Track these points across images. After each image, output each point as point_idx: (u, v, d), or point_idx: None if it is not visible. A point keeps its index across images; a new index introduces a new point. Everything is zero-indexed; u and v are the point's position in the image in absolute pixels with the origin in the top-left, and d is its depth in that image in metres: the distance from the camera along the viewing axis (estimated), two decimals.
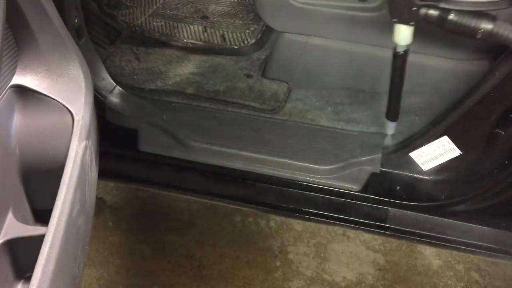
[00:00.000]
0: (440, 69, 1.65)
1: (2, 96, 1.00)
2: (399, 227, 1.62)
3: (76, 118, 1.06)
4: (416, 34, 1.58)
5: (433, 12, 1.27)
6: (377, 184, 1.59)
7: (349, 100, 1.77)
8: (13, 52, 1.03)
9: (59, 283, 0.89)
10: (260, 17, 1.82)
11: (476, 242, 1.57)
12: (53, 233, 0.89)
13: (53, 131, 1.07)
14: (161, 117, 1.70)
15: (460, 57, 1.60)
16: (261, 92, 1.81)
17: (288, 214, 1.78)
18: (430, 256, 1.94)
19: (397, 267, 1.90)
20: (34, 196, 1.08)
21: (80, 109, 1.07)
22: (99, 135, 1.19)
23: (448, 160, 1.50)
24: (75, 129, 1.05)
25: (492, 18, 1.22)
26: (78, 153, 1.02)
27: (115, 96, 1.73)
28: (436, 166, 1.52)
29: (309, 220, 1.78)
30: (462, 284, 1.86)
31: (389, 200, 1.60)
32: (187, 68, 1.92)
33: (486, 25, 1.21)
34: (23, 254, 0.97)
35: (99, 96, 1.68)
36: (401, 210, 1.60)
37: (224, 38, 2.02)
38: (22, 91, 1.05)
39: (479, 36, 1.23)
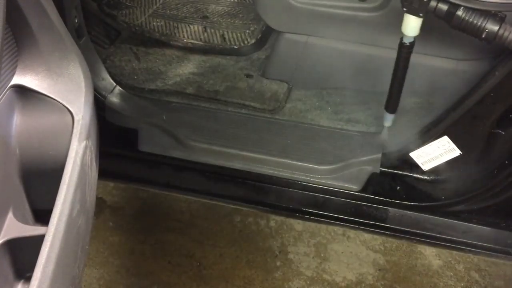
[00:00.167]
0: (440, 69, 1.65)
1: (2, 96, 1.00)
2: (399, 227, 1.62)
3: (76, 118, 1.06)
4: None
5: (442, 6, 1.26)
6: (377, 184, 1.59)
7: (349, 100, 1.77)
8: (13, 52, 1.03)
9: (59, 283, 0.89)
10: (260, 17, 1.83)
11: (476, 242, 1.57)
12: (53, 233, 0.89)
13: (53, 131, 1.07)
14: (161, 117, 1.70)
15: (460, 57, 1.60)
16: (261, 92, 1.81)
17: (288, 214, 1.78)
18: (430, 256, 1.94)
19: (397, 267, 1.90)
20: (34, 196, 1.08)
21: (80, 109, 1.07)
22: (99, 135, 1.19)
23: (448, 160, 1.50)
24: (75, 129, 1.05)
25: (499, 20, 1.21)
26: (78, 153, 1.02)
27: (115, 96, 1.73)
28: (436, 166, 1.52)
29: (309, 220, 1.78)
30: (462, 284, 1.86)
31: (389, 200, 1.60)
32: (187, 68, 1.92)
33: (492, 26, 1.21)
34: (23, 254, 0.97)
35: (99, 96, 1.68)
36: (401, 210, 1.60)
37: (224, 38, 2.02)
38: (22, 91, 1.05)
39: (483, 36, 1.23)
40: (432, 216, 1.58)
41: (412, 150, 1.53)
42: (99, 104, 1.67)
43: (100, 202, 2.09)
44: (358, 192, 1.60)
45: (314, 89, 1.81)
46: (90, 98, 1.11)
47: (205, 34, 2.04)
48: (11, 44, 1.02)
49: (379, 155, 1.57)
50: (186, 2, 2.22)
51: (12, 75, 1.04)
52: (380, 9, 1.58)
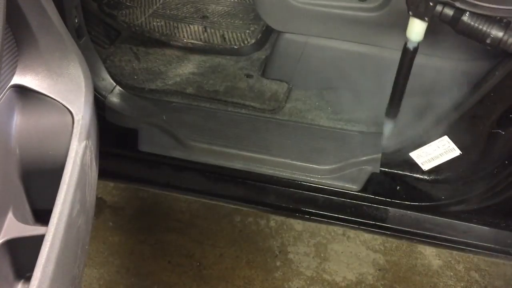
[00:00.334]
0: (440, 69, 1.65)
1: (2, 96, 1.00)
2: (399, 227, 1.62)
3: (76, 118, 1.06)
4: None
5: (448, 11, 1.27)
6: (377, 184, 1.59)
7: (349, 100, 1.77)
8: (13, 52, 1.03)
9: (59, 283, 0.89)
10: (260, 17, 1.82)
11: (476, 242, 1.57)
12: (53, 233, 0.89)
13: (53, 131, 1.07)
14: (161, 117, 1.70)
15: (460, 57, 1.60)
16: (261, 92, 1.81)
17: (288, 214, 1.78)
18: (430, 256, 1.94)
19: (397, 267, 1.90)
20: (34, 196, 1.08)
21: (80, 109, 1.07)
22: (99, 135, 1.19)
23: (448, 160, 1.50)
24: (75, 129, 1.05)
25: (505, 26, 1.22)
26: (78, 153, 1.02)
27: (115, 96, 1.73)
28: (436, 166, 1.52)
29: (309, 220, 1.78)
30: (462, 284, 1.86)
31: (389, 200, 1.60)
32: (187, 68, 1.92)
33: (497, 32, 1.22)
34: (23, 254, 0.97)
35: (99, 96, 1.68)
36: (401, 210, 1.60)
37: (224, 38, 2.02)
38: (22, 91, 1.05)
39: (488, 41, 1.24)
40: (432, 216, 1.58)
41: (412, 150, 1.53)
42: (99, 104, 1.67)
43: (100, 202, 2.09)
44: (358, 192, 1.60)
45: (314, 89, 1.81)
46: (90, 98, 1.11)
47: (205, 34, 2.04)
48: (11, 44, 1.02)
49: (379, 155, 1.57)
50: (186, 2, 2.22)
51: (12, 75, 1.04)
52: (380, 9, 1.57)
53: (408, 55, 1.41)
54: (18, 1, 0.98)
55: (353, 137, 1.65)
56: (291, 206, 1.69)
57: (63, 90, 1.08)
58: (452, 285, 1.86)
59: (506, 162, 1.44)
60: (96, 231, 1.99)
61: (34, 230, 0.95)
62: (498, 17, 1.23)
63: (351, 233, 1.99)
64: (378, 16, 1.58)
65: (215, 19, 2.12)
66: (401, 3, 1.52)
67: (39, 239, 0.89)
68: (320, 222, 1.75)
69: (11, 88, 1.03)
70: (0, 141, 0.99)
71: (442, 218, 1.57)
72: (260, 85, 1.84)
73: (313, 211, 1.67)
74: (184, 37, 2.03)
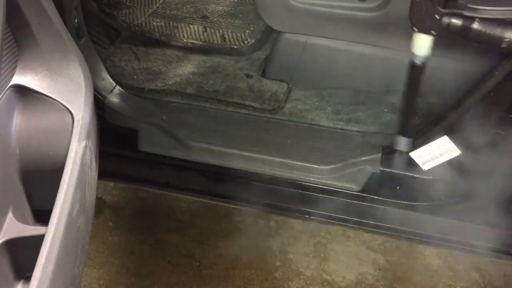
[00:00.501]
0: (440, 69, 1.65)
1: (2, 96, 1.00)
2: (399, 227, 1.62)
3: (76, 118, 1.06)
4: None
5: (456, 21, 1.23)
6: (377, 184, 1.59)
7: (349, 100, 1.77)
8: (13, 52, 1.03)
9: (59, 283, 0.89)
10: (260, 17, 1.83)
11: (476, 242, 1.57)
12: (53, 233, 0.89)
13: (53, 131, 1.07)
14: (161, 117, 1.70)
15: (460, 57, 1.60)
16: (261, 92, 1.81)
17: (288, 214, 1.78)
18: (430, 256, 1.93)
19: (397, 267, 1.90)
20: (34, 196, 1.08)
21: (80, 109, 1.07)
22: (99, 135, 1.19)
23: (448, 160, 1.50)
24: (75, 129, 1.05)
25: None
26: (78, 153, 1.02)
27: (115, 96, 1.73)
28: (436, 166, 1.52)
29: (309, 220, 1.78)
30: (462, 284, 1.86)
31: (389, 200, 1.60)
32: (187, 68, 1.92)
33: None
34: (23, 254, 0.97)
35: (99, 96, 1.68)
36: (401, 210, 1.60)
37: (224, 38, 2.02)
38: (22, 91, 1.05)
39: (504, 45, 1.20)
40: (432, 216, 1.58)
41: (412, 150, 1.53)
42: (99, 104, 1.67)
43: (100, 202, 2.09)
44: (358, 192, 1.60)
45: (314, 89, 1.82)
46: (90, 98, 1.11)
47: (205, 34, 2.04)
48: (11, 44, 1.02)
49: (379, 155, 1.58)
50: (186, 2, 2.22)
51: (12, 75, 1.04)
52: (380, 9, 1.58)
53: (416, 71, 1.36)
54: (18, 1, 0.98)
55: (353, 137, 1.65)
56: (291, 206, 1.69)
57: (63, 90, 1.08)
58: (452, 285, 1.86)
59: (506, 161, 1.44)
60: (96, 231, 1.99)
61: (34, 230, 0.95)
62: (510, 19, 1.19)
63: (351, 233, 1.99)
64: (378, 16, 1.58)
65: (215, 19, 2.12)
66: (401, 3, 1.52)
67: (39, 239, 0.89)
68: (320, 222, 1.75)
69: (11, 88, 1.03)
70: (0, 141, 0.99)
71: (442, 218, 1.57)
72: (260, 85, 1.84)
73: (313, 211, 1.67)
74: (184, 37, 2.03)
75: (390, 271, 1.89)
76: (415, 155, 1.53)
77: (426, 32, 1.27)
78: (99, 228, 2.01)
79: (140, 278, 1.87)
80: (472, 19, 1.22)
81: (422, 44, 1.30)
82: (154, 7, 2.18)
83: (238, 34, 2.03)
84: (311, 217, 1.70)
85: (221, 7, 2.19)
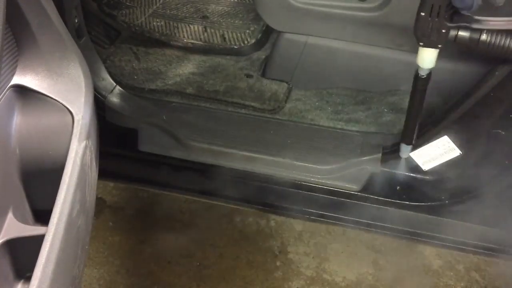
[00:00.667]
0: (440, 69, 1.65)
1: (2, 96, 1.00)
2: (399, 227, 1.62)
3: (76, 118, 1.06)
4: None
5: (463, 34, 1.23)
6: (377, 184, 1.59)
7: (349, 100, 1.77)
8: (13, 52, 1.03)
9: (59, 283, 0.89)
10: (260, 17, 1.83)
11: (476, 242, 1.57)
12: (53, 233, 0.89)
13: (53, 131, 1.07)
14: (161, 117, 1.70)
15: (459, 57, 1.60)
16: (261, 92, 1.81)
17: (288, 214, 1.78)
18: (430, 256, 1.93)
19: (397, 267, 1.90)
20: (34, 196, 1.08)
21: (80, 109, 1.07)
22: (99, 135, 1.19)
23: (448, 160, 1.50)
24: (75, 129, 1.05)
25: None
26: (78, 153, 1.02)
27: (115, 96, 1.73)
28: (436, 166, 1.52)
29: (309, 220, 1.78)
30: (462, 284, 1.86)
31: (389, 200, 1.60)
32: (187, 68, 1.92)
33: None
34: (23, 254, 0.97)
35: (99, 96, 1.68)
36: (401, 210, 1.60)
37: (224, 38, 2.02)
38: (22, 91, 1.05)
39: None
40: (432, 216, 1.58)
41: (412, 150, 1.53)
42: (99, 104, 1.67)
43: (100, 202, 2.09)
44: (358, 192, 1.60)
45: (314, 89, 1.81)
46: (90, 98, 1.11)
47: (205, 34, 2.04)
48: (11, 44, 1.02)
49: (379, 155, 1.58)
50: (186, 2, 2.22)
51: (12, 75, 1.04)
52: (380, 9, 1.58)
53: (421, 83, 1.35)
54: (18, 1, 0.98)
55: (353, 137, 1.65)
56: (291, 206, 1.69)
57: (63, 90, 1.08)
58: (452, 285, 1.86)
59: (506, 162, 1.44)
60: (96, 231, 1.99)
61: (34, 230, 0.95)
62: None
63: (351, 233, 1.99)
64: (378, 16, 1.58)
65: (215, 19, 2.12)
66: (401, 3, 1.53)
67: (39, 239, 0.89)
68: (320, 222, 1.75)
69: (11, 88, 1.03)
70: (0, 141, 0.99)
71: (442, 218, 1.57)
72: (260, 85, 1.84)
73: (313, 211, 1.67)
74: (184, 37, 2.03)
75: (390, 271, 1.89)
76: (415, 155, 1.53)
77: (433, 46, 1.27)
78: (99, 228, 2.01)
79: (140, 278, 1.87)
80: (480, 31, 1.21)
81: (428, 57, 1.30)
82: (154, 7, 2.18)
83: (238, 34, 2.03)
84: (311, 217, 1.70)
85: (221, 7, 2.19)
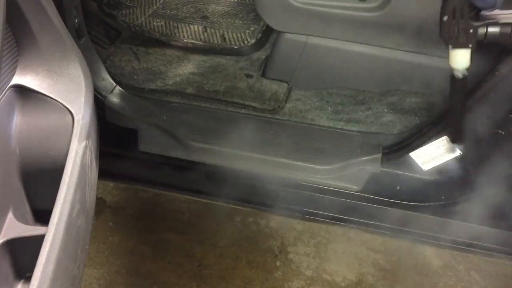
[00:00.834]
0: (440, 69, 1.65)
1: (2, 96, 1.00)
2: (399, 227, 1.62)
3: (76, 118, 1.06)
4: (415, 34, 1.58)
5: (493, 30, 1.22)
6: (377, 184, 1.59)
7: (349, 100, 1.77)
8: (13, 52, 1.03)
9: (59, 283, 0.89)
10: (260, 17, 1.82)
11: (476, 242, 1.57)
12: (53, 233, 0.89)
13: (53, 131, 1.07)
14: (161, 117, 1.70)
15: None
16: (261, 92, 1.81)
17: (288, 214, 1.78)
18: (430, 256, 1.94)
19: (397, 267, 1.90)
20: (34, 196, 1.08)
21: (80, 109, 1.08)
22: (99, 135, 1.19)
23: (448, 160, 1.50)
24: (75, 129, 1.05)
25: None
26: (78, 153, 1.02)
27: (115, 96, 1.73)
28: (436, 166, 1.52)
29: (309, 220, 1.78)
30: (462, 284, 1.86)
31: (389, 200, 1.60)
32: (187, 68, 1.92)
33: None
34: (23, 254, 0.97)
35: (99, 96, 1.68)
36: (401, 210, 1.60)
37: (224, 38, 2.02)
38: (22, 91, 1.05)
39: None
40: (432, 216, 1.58)
41: (412, 150, 1.53)
42: (99, 104, 1.67)
43: (100, 202, 2.09)
44: (358, 192, 1.60)
45: (314, 89, 1.81)
46: (90, 98, 1.12)
47: (205, 34, 2.04)
48: (11, 44, 1.02)
49: (379, 155, 1.57)
50: (186, 2, 2.22)
51: (12, 75, 1.04)
52: (380, 9, 1.57)
53: (459, 84, 1.34)
54: (18, 1, 0.98)
55: (353, 137, 1.65)
56: (291, 206, 1.69)
57: (63, 90, 1.08)
58: (452, 285, 1.86)
59: (506, 162, 1.44)
60: (96, 231, 1.99)
61: (34, 230, 0.95)
62: None
63: (351, 233, 1.99)
64: (378, 16, 1.58)
65: (215, 19, 2.12)
66: (401, 3, 1.53)
67: (39, 239, 0.89)
68: (320, 222, 1.75)
69: (11, 88, 1.03)
70: (0, 141, 0.99)
71: (442, 218, 1.57)
72: (260, 85, 1.84)
73: (313, 211, 1.67)
74: (184, 37, 2.03)
75: (390, 271, 1.89)
76: (415, 155, 1.53)
77: (463, 47, 1.26)
78: (99, 228, 2.01)
79: (140, 278, 1.87)
80: (510, 24, 1.20)
81: (461, 58, 1.29)
82: (154, 7, 2.18)
83: (238, 34, 2.03)
84: (311, 217, 1.70)
85: (221, 7, 2.19)
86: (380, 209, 1.61)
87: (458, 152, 1.48)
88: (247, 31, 2.04)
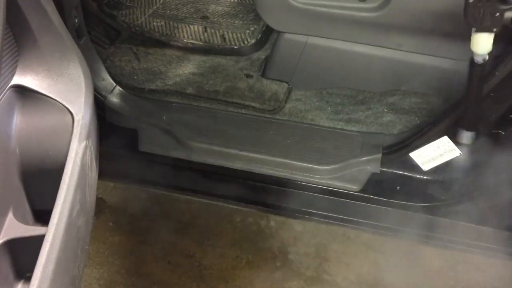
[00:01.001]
0: (440, 69, 1.65)
1: (2, 96, 1.00)
2: (399, 227, 1.62)
3: (76, 118, 1.06)
4: (415, 34, 1.58)
5: None
6: (377, 184, 1.59)
7: (349, 100, 1.77)
8: (13, 52, 1.03)
9: (59, 283, 0.89)
10: (260, 17, 1.83)
11: (476, 242, 1.57)
12: (53, 233, 0.89)
13: (53, 131, 1.07)
14: (161, 117, 1.70)
15: (459, 57, 1.61)
16: (261, 92, 1.81)
17: (288, 214, 1.78)
18: (430, 256, 1.93)
19: (397, 267, 1.90)
20: (34, 196, 1.08)
21: (80, 109, 1.08)
22: (99, 135, 1.19)
23: (448, 160, 1.50)
24: (75, 129, 1.05)
25: None
26: (78, 153, 1.02)
27: (115, 96, 1.73)
28: (436, 166, 1.52)
29: (309, 220, 1.78)
30: (462, 284, 1.86)
31: (389, 200, 1.60)
32: (187, 68, 1.92)
33: None
34: (23, 254, 0.97)
35: (99, 96, 1.68)
36: (401, 210, 1.60)
37: (224, 38, 2.02)
38: (22, 91, 1.05)
39: None
40: (432, 216, 1.58)
41: (412, 150, 1.53)
42: (99, 104, 1.67)
43: (100, 202, 2.09)
44: (358, 192, 1.60)
45: (314, 89, 1.81)
46: (90, 98, 1.12)
47: (205, 34, 2.04)
48: (11, 44, 1.02)
49: (379, 155, 1.57)
50: (186, 2, 2.22)
51: (12, 75, 1.04)
52: (380, 9, 1.58)
53: (478, 69, 1.31)
54: (18, 1, 0.98)
55: (353, 137, 1.65)
56: (291, 206, 1.69)
57: (63, 90, 1.08)
58: (452, 285, 1.86)
59: (506, 162, 1.44)
60: (96, 231, 1.99)
61: (34, 230, 0.95)
62: None
63: (351, 233, 1.99)
64: (378, 16, 1.58)
65: (215, 19, 2.12)
66: (401, 3, 1.53)
67: (39, 239, 0.89)
68: (320, 222, 1.75)
69: (11, 88, 1.03)
70: (0, 141, 0.99)
71: (442, 218, 1.57)
72: (260, 85, 1.84)
73: (313, 211, 1.67)
74: (184, 37, 2.03)
75: (390, 271, 1.89)
76: (415, 155, 1.53)
77: (487, 30, 1.22)
78: (99, 228, 2.01)
79: (140, 278, 1.87)
80: None
81: (483, 42, 1.25)
82: (154, 7, 2.18)
83: (238, 34, 2.03)
84: (311, 217, 1.70)
85: (221, 7, 2.19)
86: (380, 209, 1.61)
87: (458, 152, 1.48)
88: (247, 31, 2.04)
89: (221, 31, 2.05)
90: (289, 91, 1.82)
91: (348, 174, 1.59)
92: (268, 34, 2.03)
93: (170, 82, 1.85)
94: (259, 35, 2.02)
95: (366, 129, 1.67)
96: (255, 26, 2.06)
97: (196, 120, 1.71)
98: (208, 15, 2.14)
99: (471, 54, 1.59)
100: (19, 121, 1.05)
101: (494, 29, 1.22)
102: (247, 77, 1.88)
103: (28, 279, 0.98)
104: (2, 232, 0.94)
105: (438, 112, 1.60)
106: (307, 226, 2.01)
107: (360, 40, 1.68)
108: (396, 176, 1.58)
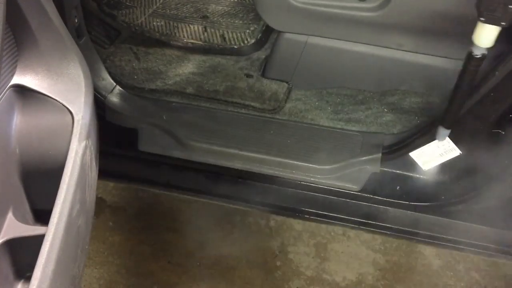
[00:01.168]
0: (440, 69, 1.65)
1: (2, 96, 1.00)
2: (399, 227, 1.62)
3: (76, 118, 1.06)
4: (415, 34, 1.58)
5: None
6: (377, 184, 1.59)
7: (349, 100, 1.77)
8: (13, 52, 1.03)
9: (59, 283, 0.89)
10: (260, 17, 1.83)
11: (476, 242, 1.57)
12: (53, 233, 0.89)
13: (53, 131, 1.07)
14: (161, 117, 1.70)
15: (460, 57, 1.60)
16: (261, 92, 1.81)
17: (288, 214, 1.78)
18: (430, 256, 1.94)
19: (397, 267, 1.90)
20: (34, 196, 1.08)
21: (80, 109, 1.07)
22: (99, 135, 1.19)
23: (448, 160, 1.50)
24: (75, 129, 1.05)
25: None
26: (78, 153, 1.02)
27: (115, 96, 1.74)
28: (436, 166, 1.52)
29: (309, 220, 1.78)
30: (462, 284, 1.86)
31: (389, 200, 1.60)
32: (187, 68, 1.92)
33: None
34: (23, 254, 0.97)
35: (99, 96, 1.68)
36: (401, 210, 1.60)
37: (224, 38, 2.02)
38: (22, 91, 1.05)
39: None
40: (432, 216, 1.58)
41: (412, 150, 1.53)
42: (99, 104, 1.67)
43: (100, 202, 2.09)
44: (358, 192, 1.60)
45: (314, 89, 1.82)
46: (90, 98, 1.12)
47: (205, 34, 2.04)
48: (11, 44, 1.02)
49: (379, 155, 1.58)
50: (186, 2, 2.22)
51: (12, 75, 1.04)
52: (380, 9, 1.57)
53: (474, 63, 1.24)
54: (18, 1, 0.98)
55: (353, 137, 1.65)
56: (291, 206, 1.69)
57: (63, 90, 1.08)
58: (452, 285, 1.86)
59: (506, 162, 1.44)
60: (96, 231, 1.99)
61: (34, 230, 0.95)
62: None
63: (351, 233, 1.99)
64: (378, 16, 1.58)
65: (215, 19, 2.12)
66: (401, 3, 1.53)
67: (39, 239, 0.89)
68: (320, 222, 1.75)
69: (11, 88, 1.03)
70: (0, 141, 0.99)
71: (442, 218, 1.57)
72: (260, 85, 1.84)
73: (313, 211, 1.67)
74: (184, 37, 2.03)
75: (390, 271, 1.89)
76: (415, 155, 1.53)
77: (495, 23, 1.15)
78: (99, 228, 2.01)
79: (140, 278, 1.87)
80: None
81: (487, 35, 1.19)
82: (154, 7, 2.18)
83: (238, 34, 2.03)
84: (311, 217, 1.70)
85: (221, 7, 2.19)
86: (380, 209, 1.61)
87: (458, 152, 1.48)
88: (247, 31, 2.04)
89: (221, 31, 2.05)
90: (289, 91, 1.82)
91: (348, 174, 1.59)
92: (268, 34, 2.03)
93: (170, 82, 1.85)
94: (259, 35, 2.02)
95: (366, 129, 1.68)
96: (255, 26, 2.06)
97: (196, 120, 1.71)
98: (208, 14, 2.14)
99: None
100: (19, 121, 1.05)
101: (503, 23, 1.15)
102: (247, 76, 1.88)
103: (28, 278, 0.98)
104: (2, 232, 0.94)
105: (438, 112, 1.59)
106: (307, 226, 2.01)
107: (360, 40, 1.68)
108: (396, 176, 1.59)
